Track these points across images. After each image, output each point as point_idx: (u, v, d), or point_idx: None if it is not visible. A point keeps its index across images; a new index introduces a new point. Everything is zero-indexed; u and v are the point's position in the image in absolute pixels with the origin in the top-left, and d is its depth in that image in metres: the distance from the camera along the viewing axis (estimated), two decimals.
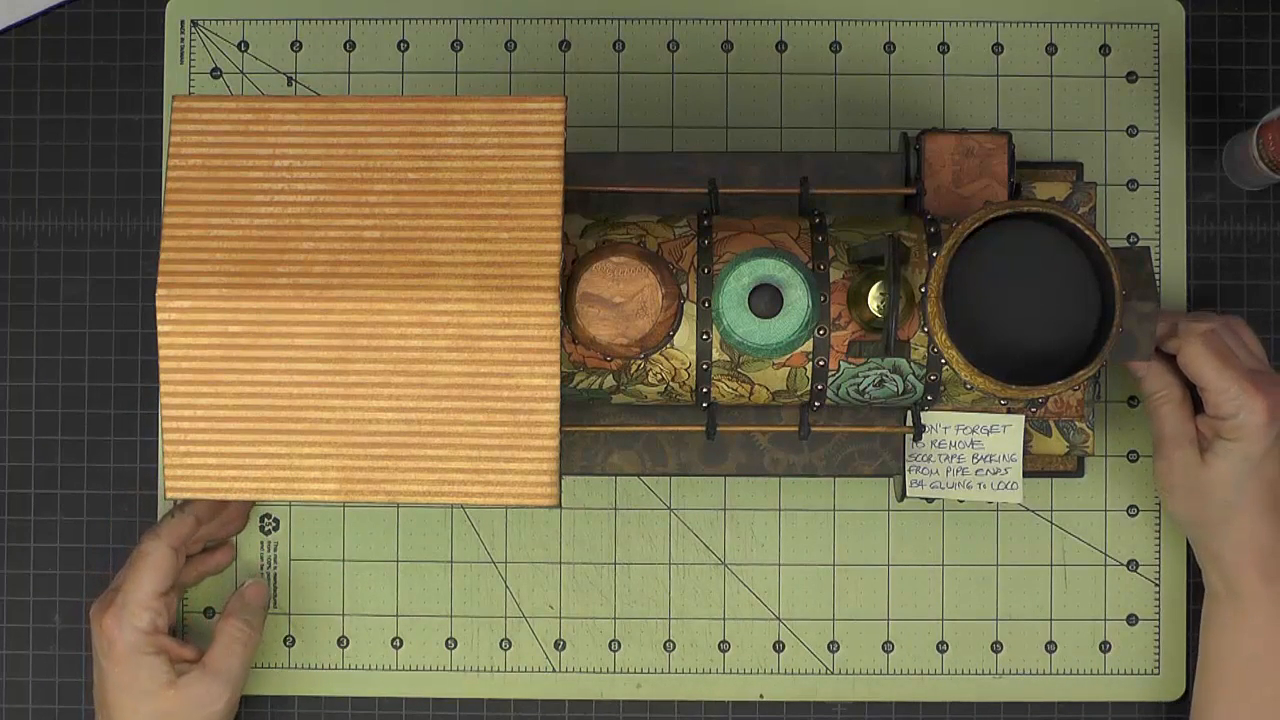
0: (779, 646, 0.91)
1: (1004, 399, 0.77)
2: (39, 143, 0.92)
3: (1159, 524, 0.91)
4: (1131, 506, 0.91)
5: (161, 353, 0.71)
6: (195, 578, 0.89)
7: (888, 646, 0.91)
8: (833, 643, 0.91)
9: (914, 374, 0.75)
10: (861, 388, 0.76)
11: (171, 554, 0.84)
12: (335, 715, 0.91)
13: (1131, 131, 0.91)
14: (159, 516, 0.91)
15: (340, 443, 0.71)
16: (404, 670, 0.91)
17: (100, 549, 0.91)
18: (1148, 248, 0.80)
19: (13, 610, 0.91)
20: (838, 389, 0.76)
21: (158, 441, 0.92)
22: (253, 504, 0.90)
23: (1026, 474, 0.85)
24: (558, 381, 0.70)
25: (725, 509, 0.91)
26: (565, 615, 0.91)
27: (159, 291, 0.70)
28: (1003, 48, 0.92)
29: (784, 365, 0.75)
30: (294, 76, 0.92)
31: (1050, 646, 0.91)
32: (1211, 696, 0.85)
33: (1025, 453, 0.82)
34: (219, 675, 0.84)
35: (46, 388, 0.92)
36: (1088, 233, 0.71)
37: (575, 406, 0.80)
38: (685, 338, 0.74)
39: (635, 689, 0.91)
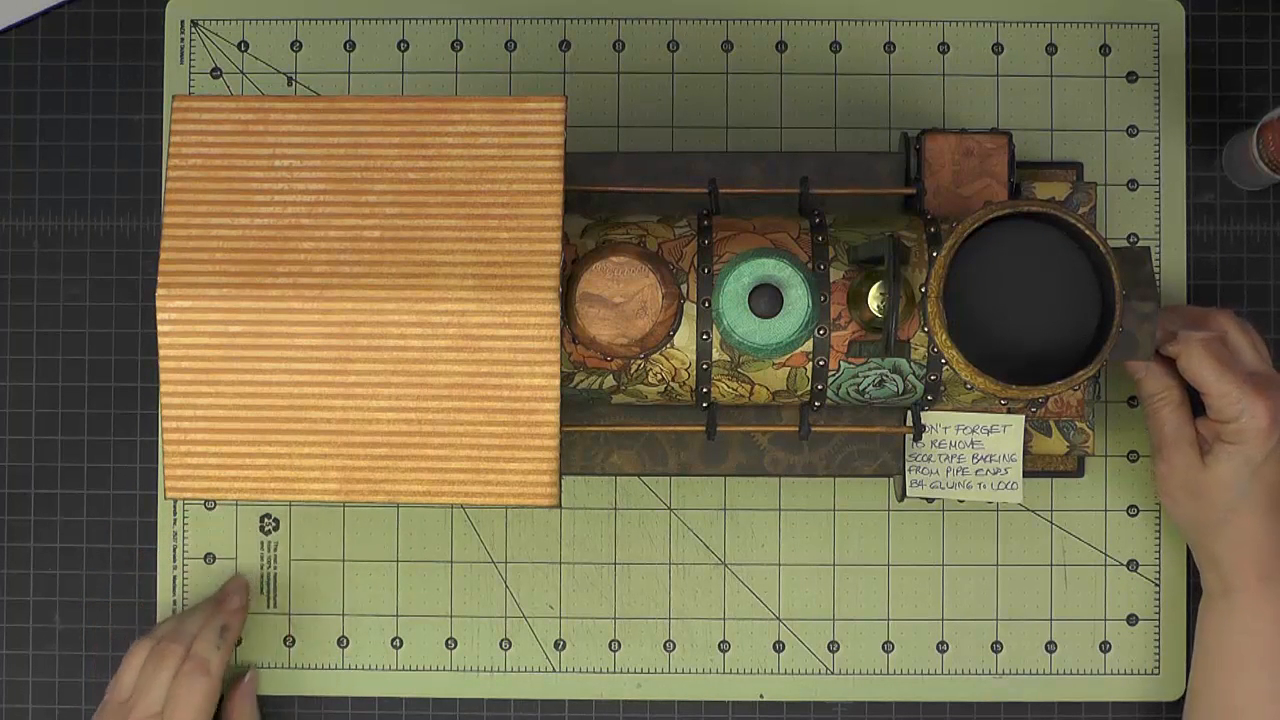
0: (779, 646, 0.91)
1: (1004, 399, 0.77)
2: (39, 143, 0.92)
3: (1159, 524, 0.91)
4: (1131, 506, 0.91)
5: (161, 353, 0.71)
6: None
7: (888, 646, 0.91)
8: (833, 643, 0.91)
9: (914, 374, 0.75)
10: (861, 388, 0.76)
11: (218, 686, 0.86)
12: (335, 715, 0.91)
13: (1131, 131, 0.91)
14: (158, 516, 0.91)
15: (340, 443, 0.71)
16: (404, 670, 0.91)
17: (100, 549, 0.91)
18: (1148, 248, 0.80)
19: (13, 610, 0.91)
20: (838, 389, 0.76)
21: (158, 441, 0.91)
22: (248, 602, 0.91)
23: (1026, 474, 0.85)
24: (558, 381, 0.70)
25: (725, 509, 0.91)
26: (565, 615, 0.91)
27: (159, 291, 0.70)
28: (1003, 48, 0.92)
29: (784, 365, 0.75)
30: (294, 76, 0.92)
31: (1050, 646, 0.90)
32: (1205, 691, 0.85)
33: (1025, 453, 0.82)
34: None
35: (46, 388, 0.92)
36: (1088, 233, 0.71)
37: (575, 406, 0.80)
38: (685, 338, 0.74)
39: (635, 689, 0.91)
